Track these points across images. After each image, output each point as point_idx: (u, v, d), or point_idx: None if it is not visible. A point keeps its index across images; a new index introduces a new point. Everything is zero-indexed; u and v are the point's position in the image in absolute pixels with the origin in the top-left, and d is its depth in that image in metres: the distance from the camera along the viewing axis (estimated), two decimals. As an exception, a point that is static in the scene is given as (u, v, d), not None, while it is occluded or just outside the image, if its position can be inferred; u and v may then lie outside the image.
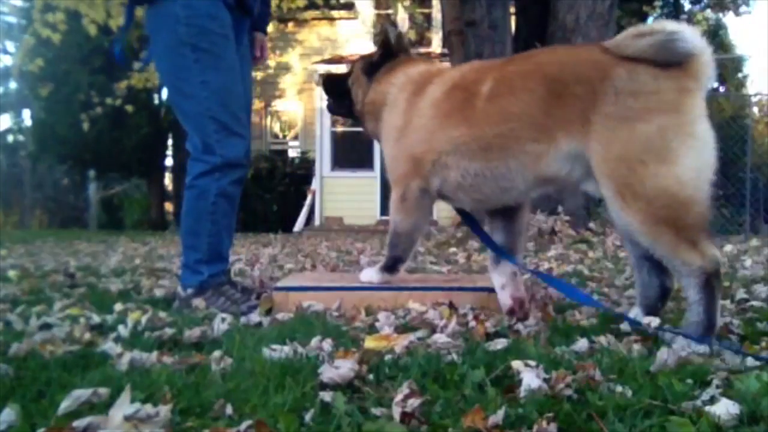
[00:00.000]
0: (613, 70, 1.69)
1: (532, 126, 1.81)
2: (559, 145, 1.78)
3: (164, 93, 14.08)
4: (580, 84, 1.73)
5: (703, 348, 1.52)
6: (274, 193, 12.42)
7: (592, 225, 6.13)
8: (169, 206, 18.97)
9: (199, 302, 2.22)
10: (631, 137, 1.64)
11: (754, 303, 2.14)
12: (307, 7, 10.88)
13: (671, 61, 1.65)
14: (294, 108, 14.36)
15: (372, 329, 1.80)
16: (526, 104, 1.82)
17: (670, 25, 1.67)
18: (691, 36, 1.64)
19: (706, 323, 1.58)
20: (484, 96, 1.89)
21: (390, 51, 2.24)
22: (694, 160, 1.61)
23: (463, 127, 1.92)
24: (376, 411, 1.10)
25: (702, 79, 1.67)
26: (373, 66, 2.24)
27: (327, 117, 12.17)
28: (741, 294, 2.38)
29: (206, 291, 2.29)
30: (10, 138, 12.56)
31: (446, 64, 2.29)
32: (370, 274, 2.23)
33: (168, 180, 18.88)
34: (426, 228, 2.17)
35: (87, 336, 1.70)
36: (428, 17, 13.82)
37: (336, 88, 2.37)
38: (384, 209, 12.02)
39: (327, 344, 1.56)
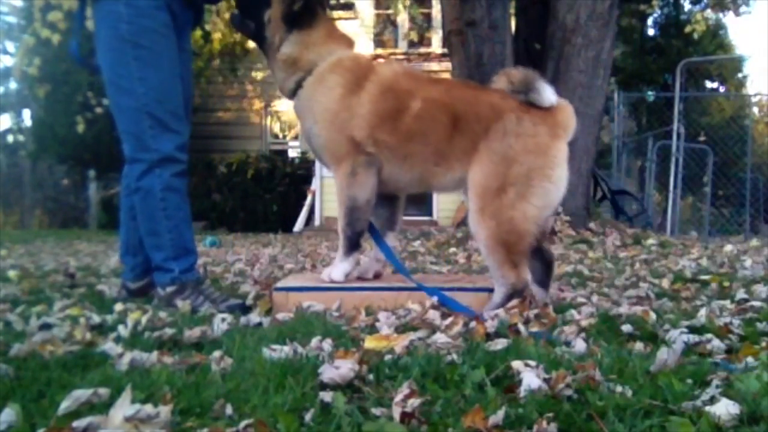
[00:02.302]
0: (506, 114, 2.10)
1: (438, 152, 2.17)
2: (454, 170, 2.18)
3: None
4: (479, 122, 2.12)
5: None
6: (274, 193, 12.40)
7: (592, 225, 6.12)
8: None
9: (181, 303, 2.22)
10: (506, 172, 2.05)
11: (754, 303, 2.13)
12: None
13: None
14: (294, 108, 14.36)
15: (372, 329, 1.80)
16: (438, 133, 2.16)
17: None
18: (548, 90, 2.10)
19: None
20: (413, 113, 2.18)
21: (312, 7, 2.28)
22: (543, 201, 2.06)
23: (394, 135, 2.19)
24: (376, 411, 1.10)
25: (568, 129, 2.13)
26: (294, 17, 2.27)
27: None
28: (741, 294, 2.39)
29: (185, 290, 2.30)
30: (10, 138, 12.53)
31: (366, 55, 2.41)
32: (339, 269, 2.26)
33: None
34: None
35: (87, 336, 1.70)
36: (428, 17, 13.81)
37: (250, 10, 2.36)
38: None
39: (327, 344, 1.56)
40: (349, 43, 2.37)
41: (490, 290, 2.21)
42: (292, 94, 2.33)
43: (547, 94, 2.10)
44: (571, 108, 2.16)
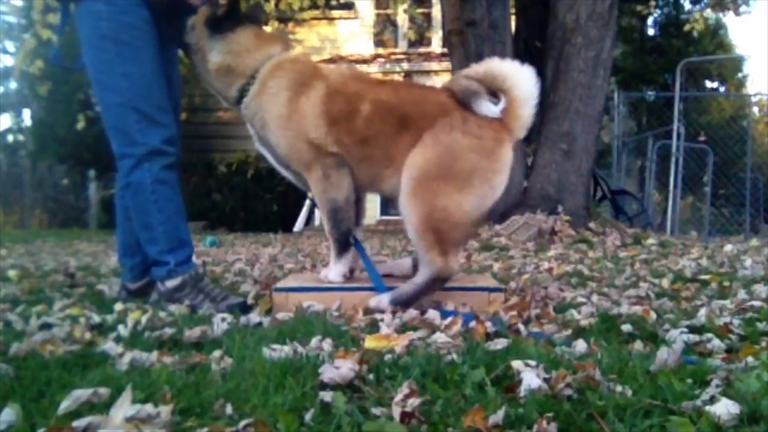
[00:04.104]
0: (453, 111, 2.08)
1: (387, 155, 2.14)
2: (401, 171, 2.12)
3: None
4: (425, 119, 2.10)
5: (375, 301, 2.03)
6: (274, 193, 12.39)
7: (592, 225, 6.13)
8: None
9: (176, 307, 2.21)
10: (449, 164, 2.03)
11: (754, 303, 2.13)
12: (307, 7, 10.87)
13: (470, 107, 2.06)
14: (294, 108, 14.34)
15: (372, 329, 1.80)
16: (387, 136, 2.13)
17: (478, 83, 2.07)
18: (485, 105, 2.04)
19: (404, 296, 2.04)
20: (364, 116, 2.14)
21: (236, 11, 2.25)
22: (479, 201, 2.05)
23: (347, 137, 2.16)
24: (376, 411, 1.10)
25: (515, 132, 2.10)
26: (217, 21, 2.24)
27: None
28: (741, 294, 2.39)
29: (185, 287, 2.30)
30: (10, 138, 12.55)
31: (306, 56, 2.44)
32: (335, 271, 2.27)
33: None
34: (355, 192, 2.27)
35: (87, 336, 1.70)
36: (428, 17, 13.81)
37: (171, 16, 2.31)
38: (384, 209, 12.01)
39: (327, 344, 1.56)
40: (284, 43, 2.33)
41: (490, 289, 2.22)
42: (236, 102, 2.28)
43: (483, 110, 2.04)
44: (523, 108, 2.07)
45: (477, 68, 2.13)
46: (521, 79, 2.07)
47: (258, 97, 2.22)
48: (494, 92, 2.10)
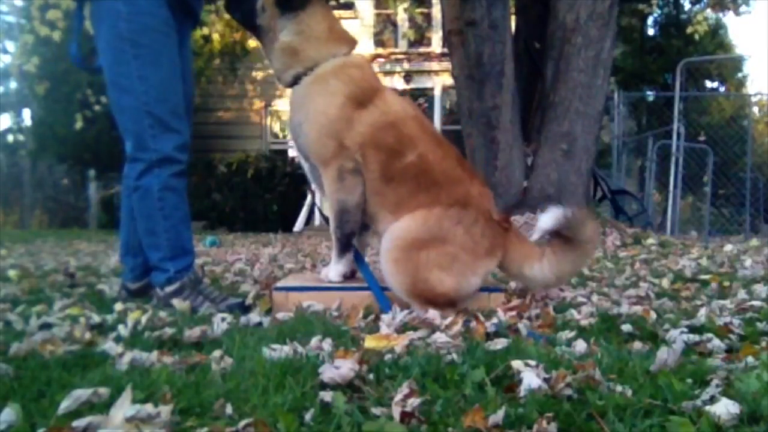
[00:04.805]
0: (471, 208, 2.10)
1: (398, 203, 2.15)
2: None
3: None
4: (447, 197, 2.10)
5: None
6: (274, 193, 12.40)
7: (592, 225, 6.11)
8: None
9: (178, 302, 2.21)
10: (438, 244, 2.05)
11: (754, 303, 2.13)
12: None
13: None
14: (294, 108, 14.34)
15: (372, 329, 1.80)
16: (410, 187, 2.14)
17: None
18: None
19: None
20: (404, 162, 2.15)
21: None
22: (455, 285, 2.05)
23: (379, 169, 2.16)
24: (376, 411, 1.10)
25: (507, 258, 2.16)
26: (287, 0, 2.22)
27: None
28: (741, 294, 2.39)
29: (184, 290, 2.30)
30: (10, 138, 12.53)
31: (370, 64, 2.43)
32: (335, 270, 2.27)
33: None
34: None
35: (87, 336, 1.70)
36: (428, 17, 13.82)
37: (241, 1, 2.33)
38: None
39: (327, 344, 1.56)
40: (351, 42, 2.31)
41: (490, 289, 2.22)
42: (288, 85, 2.30)
43: (540, 223, 2.11)
44: (531, 252, 2.16)
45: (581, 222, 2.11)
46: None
47: (311, 86, 2.21)
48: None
